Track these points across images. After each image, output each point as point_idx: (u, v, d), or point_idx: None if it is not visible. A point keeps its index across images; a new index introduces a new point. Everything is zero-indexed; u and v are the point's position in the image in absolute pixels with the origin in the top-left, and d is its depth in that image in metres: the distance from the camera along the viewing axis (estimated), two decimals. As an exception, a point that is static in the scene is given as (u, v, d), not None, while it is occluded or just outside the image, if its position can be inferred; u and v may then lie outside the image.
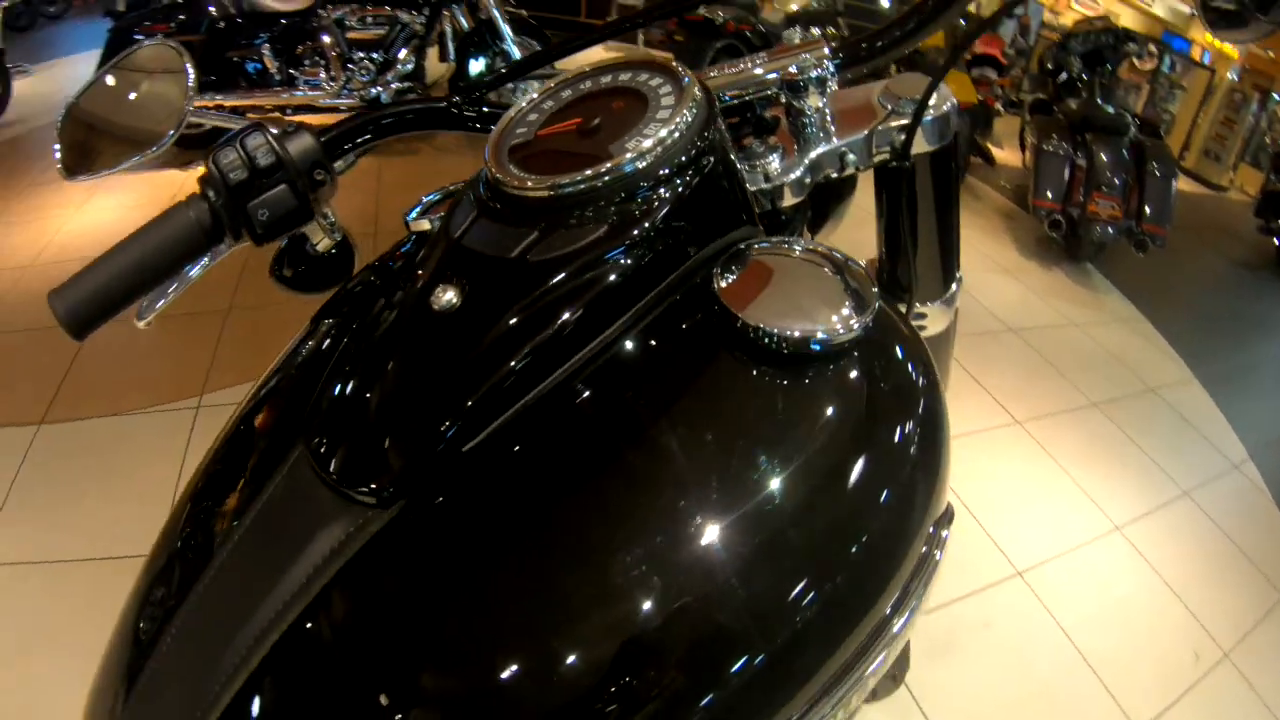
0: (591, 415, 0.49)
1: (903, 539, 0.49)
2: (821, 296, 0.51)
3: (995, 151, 5.72)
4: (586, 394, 0.49)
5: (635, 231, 0.50)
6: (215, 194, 0.55)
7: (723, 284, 0.52)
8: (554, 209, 0.51)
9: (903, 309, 0.74)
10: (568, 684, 0.41)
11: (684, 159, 0.52)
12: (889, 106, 0.64)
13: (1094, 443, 2.79)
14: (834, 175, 0.65)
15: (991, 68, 5.51)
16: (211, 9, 4.02)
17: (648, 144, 0.51)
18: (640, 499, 0.45)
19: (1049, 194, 4.05)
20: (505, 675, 0.41)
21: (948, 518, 0.56)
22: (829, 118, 0.64)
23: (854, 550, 0.47)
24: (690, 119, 0.52)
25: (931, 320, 0.84)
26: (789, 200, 0.64)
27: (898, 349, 0.54)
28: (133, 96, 0.62)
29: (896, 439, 0.50)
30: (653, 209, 0.50)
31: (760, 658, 0.43)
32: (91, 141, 0.61)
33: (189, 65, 0.61)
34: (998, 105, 5.57)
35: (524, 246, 0.50)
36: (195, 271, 0.64)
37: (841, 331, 0.49)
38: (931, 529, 0.52)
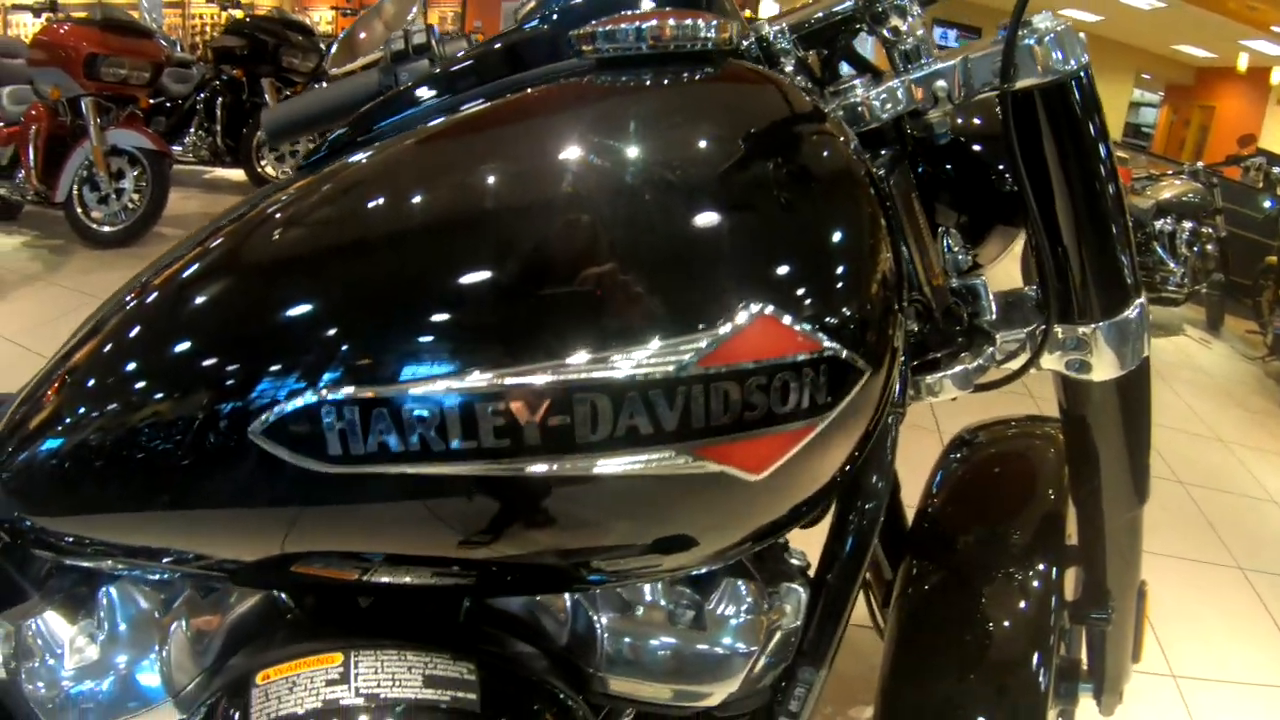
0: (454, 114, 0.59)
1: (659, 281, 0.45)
2: (678, 26, 0.51)
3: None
4: (462, 105, 0.61)
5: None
6: (383, 64, 0.78)
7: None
8: None
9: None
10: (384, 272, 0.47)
11: None
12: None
13: None
14: (927, 110, 0.62)
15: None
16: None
17: None
18: (482, 143, 0.53)
19: None
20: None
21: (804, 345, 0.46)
22: (927, 51, 0.61)
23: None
24: None
25: (1098, 358, 0.65)
26: (869, 124, 0.63)
27: (740, 81, 0.54)
28: (376, 26, 0.89)
29: (680, 164, 0.48)
30: None
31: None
32: (347, 51, 0.89)
33: (417, 5, 0.88)
34: None
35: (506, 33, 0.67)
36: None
37: (664, 41, 0.50)
38: (757, 305, 0.45)
